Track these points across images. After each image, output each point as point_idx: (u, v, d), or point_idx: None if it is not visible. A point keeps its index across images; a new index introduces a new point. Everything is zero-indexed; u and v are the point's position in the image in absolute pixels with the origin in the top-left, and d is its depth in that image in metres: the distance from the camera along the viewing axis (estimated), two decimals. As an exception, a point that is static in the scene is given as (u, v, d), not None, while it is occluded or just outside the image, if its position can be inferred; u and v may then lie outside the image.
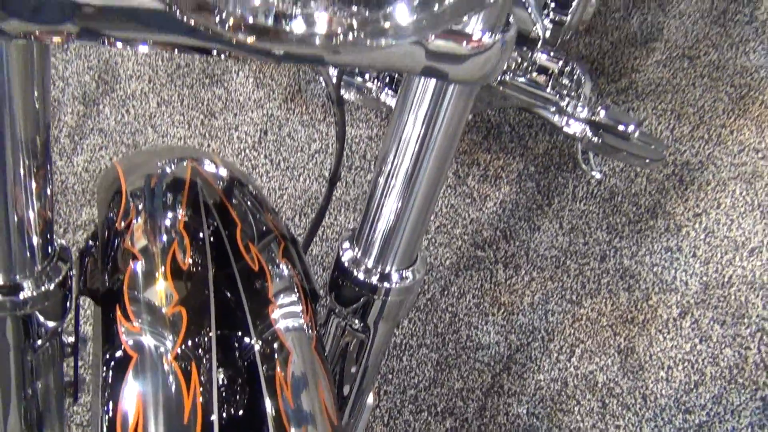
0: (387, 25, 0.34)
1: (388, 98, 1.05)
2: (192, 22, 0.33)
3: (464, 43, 0.42)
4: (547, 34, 0.99)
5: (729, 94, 1.26)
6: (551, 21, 0.98)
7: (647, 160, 1.01)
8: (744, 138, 1.23)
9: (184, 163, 0.63)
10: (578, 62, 1.01)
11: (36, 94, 0.42)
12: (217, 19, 0.33)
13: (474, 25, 0.42)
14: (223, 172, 0.67)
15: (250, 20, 0.34)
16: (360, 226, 0.57)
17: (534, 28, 0.85)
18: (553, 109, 1.03)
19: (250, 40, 0.35)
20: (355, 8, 0.34)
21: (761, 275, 1.14)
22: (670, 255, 1.17)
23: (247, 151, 1.30)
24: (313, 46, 0.35)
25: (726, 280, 1.14)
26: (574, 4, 0.97)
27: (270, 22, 0.34)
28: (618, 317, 1.14)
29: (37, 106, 0.43)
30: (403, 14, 0.34)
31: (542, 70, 1.03)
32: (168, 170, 0.62)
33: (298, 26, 0.35)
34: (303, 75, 1.36)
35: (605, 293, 1.16)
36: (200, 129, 1.33)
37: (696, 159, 1.22)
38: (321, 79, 0.84)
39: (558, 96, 1.01)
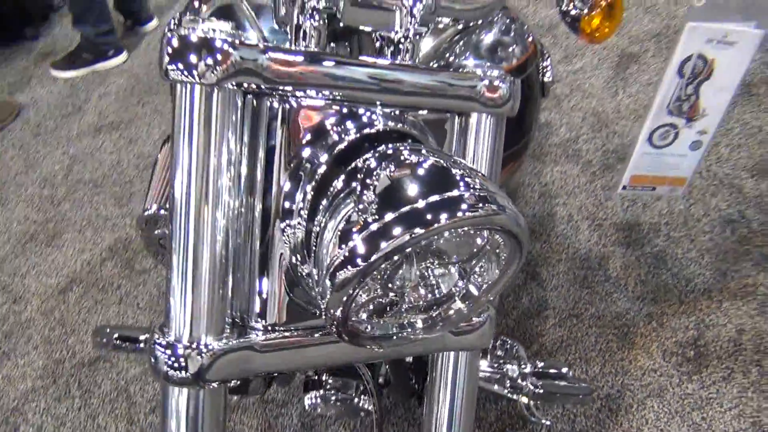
0: (439, 325, 0.60)
1: (367, 403, 1.26)
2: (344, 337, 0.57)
3: (468, 326, 0.70)
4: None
5: (615, 334, 1.60)
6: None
7: (581, 396, 1.26)
8: (641, 364, 1.54)
9: None
10: (504, 336, 1.30)
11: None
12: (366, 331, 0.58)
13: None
14: None
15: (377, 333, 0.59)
16: None
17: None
18: (496, 380, 1.28)
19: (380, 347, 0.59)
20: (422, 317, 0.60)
21: (704, 468, 1.35)
22: (628, 475, 1.37)
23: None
24: (397, 342, 0.60)
25: (680, 481, 1.34)
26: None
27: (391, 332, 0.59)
28: None
29: None
30: (444, 319, 0.60)
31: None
32: None
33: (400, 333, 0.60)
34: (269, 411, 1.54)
35: None
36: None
37: (614, 390, 1.50)
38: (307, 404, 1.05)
39: (498, 367, 1.27)
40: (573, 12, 0.91)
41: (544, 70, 1.08)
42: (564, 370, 1.21)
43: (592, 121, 2.19)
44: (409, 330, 0.60)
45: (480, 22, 0.92)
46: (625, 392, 1.49)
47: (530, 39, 0.99)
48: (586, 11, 0.91)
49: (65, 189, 2.50)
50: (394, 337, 0.60)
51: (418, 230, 0.50)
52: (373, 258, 0.50)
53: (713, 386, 1.47)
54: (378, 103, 0.62)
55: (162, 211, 1.00)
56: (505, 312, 1.67)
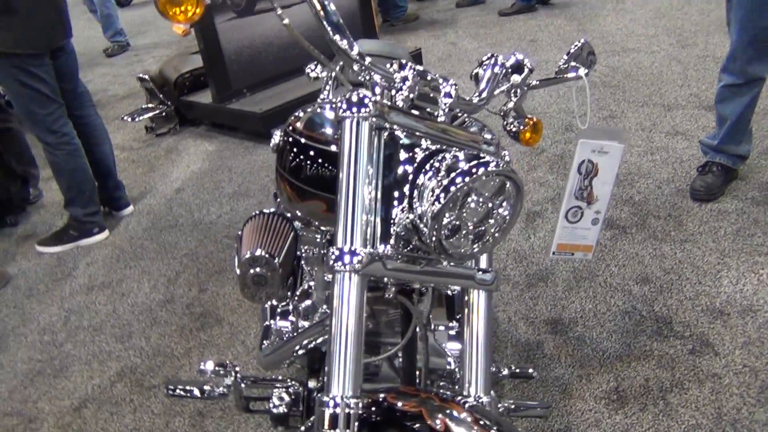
0: (488, 238, 1.12)
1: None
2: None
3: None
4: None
5: (557, 390, 2.07)
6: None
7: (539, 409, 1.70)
8: (579, 407, 2.00)
9: None
10: None
11: None
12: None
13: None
14: None
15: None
16: None
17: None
18: None
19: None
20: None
21: None
22: None
23: None
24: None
25: None
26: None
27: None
28: None
29: None
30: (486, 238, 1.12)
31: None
32: None
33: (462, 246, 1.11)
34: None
35: None
36: None
37: (562, 426, 1.93)
38: None
39: None
40: (513, 129, 1.56)
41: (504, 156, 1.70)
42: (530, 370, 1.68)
43: (514, 256, 2.82)
44: (470, 249, 1.11)
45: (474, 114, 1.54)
46: (571, 427, 1.94)
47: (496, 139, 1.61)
48: (521, 128, 1.55)
49: (65, 334, 2.80)
50: (465, 253, 1.10)
51: (467, 178, 1.04)
52: (449, 195, 1.03)
53: (633, 416, 1.95)
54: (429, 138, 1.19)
55: (257, 253, 1.47)
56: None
